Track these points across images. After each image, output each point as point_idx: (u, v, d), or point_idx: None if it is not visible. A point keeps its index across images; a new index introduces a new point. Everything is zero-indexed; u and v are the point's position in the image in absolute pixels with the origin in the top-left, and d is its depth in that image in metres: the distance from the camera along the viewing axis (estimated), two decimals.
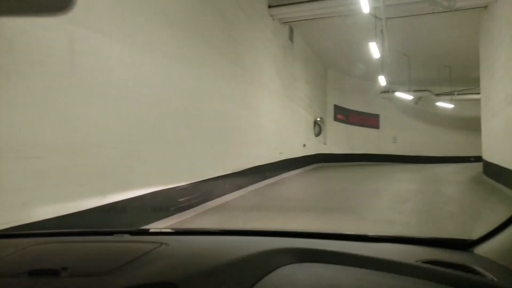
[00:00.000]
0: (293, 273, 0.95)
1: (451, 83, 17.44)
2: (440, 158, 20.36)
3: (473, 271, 0.94)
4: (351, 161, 19.10)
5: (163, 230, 1.63)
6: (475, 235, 1.14)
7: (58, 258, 1.09)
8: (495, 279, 0.89)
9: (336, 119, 18.34)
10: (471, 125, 21.11)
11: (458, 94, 17.75)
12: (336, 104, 18.42)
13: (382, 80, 14.18)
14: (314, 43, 14.36)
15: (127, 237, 1.34)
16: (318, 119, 16.17)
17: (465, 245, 1.15)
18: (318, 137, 16.30)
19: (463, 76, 17.21)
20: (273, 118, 10.48)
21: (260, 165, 9.19)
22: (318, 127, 16.19)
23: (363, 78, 19.40)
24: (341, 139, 18.77)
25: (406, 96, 16.77)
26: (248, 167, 8.36)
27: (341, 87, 18.81)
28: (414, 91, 18.40)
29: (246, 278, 0.89)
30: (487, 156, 10.12)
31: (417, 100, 20.61)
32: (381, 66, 13.51)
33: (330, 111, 18.03)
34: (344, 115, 18.96)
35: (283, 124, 11.41)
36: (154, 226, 4.54)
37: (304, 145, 13.95)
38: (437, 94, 18.50)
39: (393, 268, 0.95)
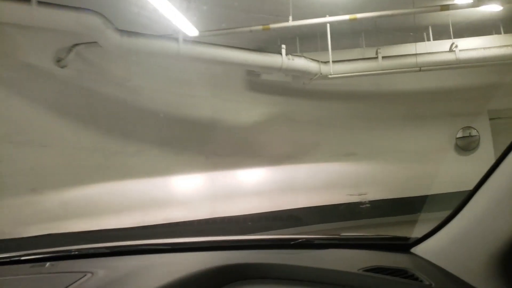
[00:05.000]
0: None
1: None
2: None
3: (413, 276, 0.98)
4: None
5: (89, 252, 1.42)
6: (417, 234, 1.13)
7: None
8: (433, 284, 0.92)
9: None
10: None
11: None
12: None
13: None
14: None
15: (48, 267, 1.24)
16: None
17: (406, 246, 1.18)
18: None
19: None
20: None
21: None
22: None
23: None
24: None
25: None
26: None
27: None
28: None
29: None
30: None
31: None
32: None
33: None
34: None
35: None
36: None
37: None
38: None
39: (337, 279, 1.01)
